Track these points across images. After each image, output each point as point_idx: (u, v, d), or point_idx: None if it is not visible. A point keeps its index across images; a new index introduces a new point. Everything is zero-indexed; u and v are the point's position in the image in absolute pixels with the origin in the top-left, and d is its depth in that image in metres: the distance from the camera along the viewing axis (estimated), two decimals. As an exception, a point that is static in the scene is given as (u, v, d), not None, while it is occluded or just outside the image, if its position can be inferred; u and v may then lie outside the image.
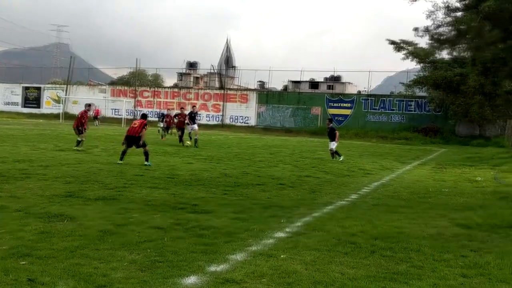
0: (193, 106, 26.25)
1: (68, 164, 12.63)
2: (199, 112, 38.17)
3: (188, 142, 21.63)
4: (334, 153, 18.28)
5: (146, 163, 13.21)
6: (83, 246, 5.28)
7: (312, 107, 45.03)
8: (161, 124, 29.79)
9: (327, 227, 6.77)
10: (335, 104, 44.45)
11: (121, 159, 13.56)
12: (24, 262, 4.65)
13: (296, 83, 57.73)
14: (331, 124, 19.35)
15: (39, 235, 5.67)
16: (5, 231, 5.76)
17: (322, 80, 63.15)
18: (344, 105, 44.12)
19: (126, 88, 54.84)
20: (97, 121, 42.17)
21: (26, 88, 57.46)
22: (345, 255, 5.46)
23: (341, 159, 17.75)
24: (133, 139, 13.62)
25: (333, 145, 18.28)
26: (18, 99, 57.38)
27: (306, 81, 59.61)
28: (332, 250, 5.60)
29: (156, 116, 46.73)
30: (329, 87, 59.79)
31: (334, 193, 10.10)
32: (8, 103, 56.93)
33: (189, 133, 22.46)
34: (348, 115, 43.68)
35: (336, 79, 61.78)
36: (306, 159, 18.04)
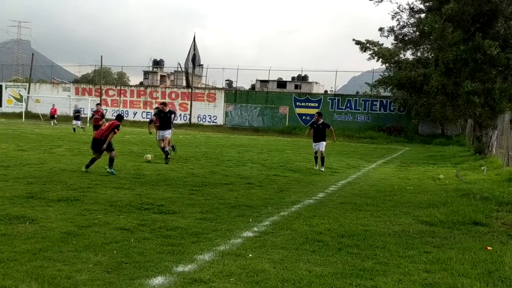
0: (162, 103, 16.21)
1: (30, 165, 12.27)
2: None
3: (149, 156, 15.06)
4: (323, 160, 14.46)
5: (108, 170, 11.39)
6: (46, 249, 5.14)
7: (280, 106, 45.28)
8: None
9: (294, 225, 6.81)
10: (302, 104, 44.81)
11: (87, 166, 11.63)
12: (-18, 266, 4.49)
13: (264, 82, 57.85)
14: (321, 119, 14.92)
15: (0, 237, 5.48)
16: (-38, 234, 5.55)
17: (289, 79, 63.55)
18: (311, 104, 44.53)
19: (90, 86, 53.74)
20: (53, 121, 41.07)
21: (-13, 86, 55.48)
22: (313, 253, 5.50)
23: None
24: (99, 142, 11.68)
25: (323, 146, 14.43)
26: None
27: (274, 81, 59.84)
28: (299, 249, 5.64)
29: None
30: (296, 87, 60.20)
31: (302, 192, 10.17)
32: (-35, 102, 54.85)
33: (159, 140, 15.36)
34: (315, 114, 44.16)
35: (303, 78, 62.28)
36: (274, 158, 18.10)
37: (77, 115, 33.02)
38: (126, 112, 50.57)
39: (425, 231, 6.83)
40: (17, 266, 4.56)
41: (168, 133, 15.29)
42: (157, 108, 16.80)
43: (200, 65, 52.48)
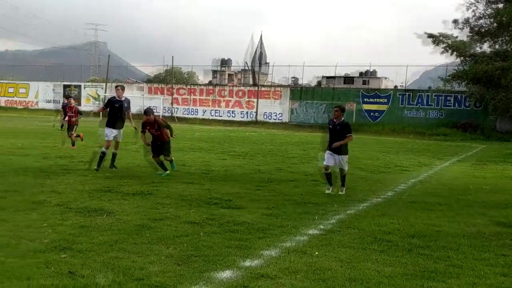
0: (119, 86, 11.83)
1: (107, 160, 12.93)
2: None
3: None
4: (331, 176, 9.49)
5: (162, 172, 10.62)
6: (121, 240, 5.41)
7: (347, 102, 44.53)
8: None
9: (362, 224, 6.69)
10: (370, 100, 43.77)
11: (161, 166, 10.77)
12: (64, 255, 4.80)
13: (330, 78, 57.14)
14: (342, 117, 9.41)
15: (79, 229, 5.84)
16: (46, 225, 5.97)
17: (357, 75, 62.29)
18: (380, 100, 43.38)
19: (162, 85, 55.69)
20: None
21: (66, 86, 59.11)
22: (381, 253, 5.39)
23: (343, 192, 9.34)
24: (161, 146, 10.77)
25: (344, 161, 9.39)
26: (59, 97, 59.08)
27: (340, 77, 58.89)
28: (367, 248, 5.54)
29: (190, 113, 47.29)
30: (364, 82, 58.87)
31: (369, 190, 9.96)
32: (49, 101, 58.73)
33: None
34: (384, 110, 42.93)
35: (371, 74, 60.82)
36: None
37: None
38: (196, 111, 51.94)
39: (503, 233, 6.46)
40: (95, 256, 4.83)
41: (120, 134, 11.62)
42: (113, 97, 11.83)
43: (266, 63, 52.83)
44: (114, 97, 11.74)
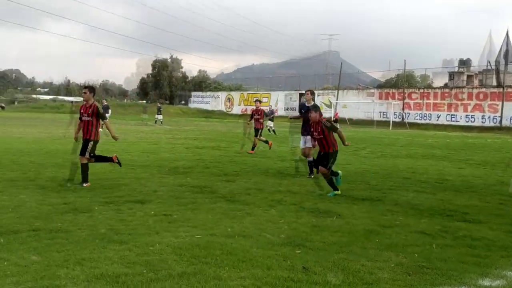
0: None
1: (337, 164, 13.34)
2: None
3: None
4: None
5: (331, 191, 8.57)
6: (350, 243, 5.53)
7: None
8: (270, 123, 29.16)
9: None
10: None
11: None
12: (299, 251, 5.15)
13: None
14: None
15: (312, 228, 6.19)
16: (283, 221, 6.51)
17: None
18: None
19: (394, 90, 54.70)
20: (336, 124, 43.49)
21: (302, 95, 63.22)
22: None
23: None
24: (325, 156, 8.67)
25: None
26: (296, 104, 63.61)
27: None
28: None
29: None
30: None
31: None
32: (287, 109, 63.77)
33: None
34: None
35: None
36: None
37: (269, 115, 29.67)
38: (429, 115, 49.44)
39: None
40: (326, 255, 5.05)
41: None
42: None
43: (514, 62, 46.87)
44: (303, 103, 11.30)
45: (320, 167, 8.57)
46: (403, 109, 51.20)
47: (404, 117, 50.44)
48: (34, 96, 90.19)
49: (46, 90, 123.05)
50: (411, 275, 4.52)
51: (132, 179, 9.71)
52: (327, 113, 56.44)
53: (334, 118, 47.27)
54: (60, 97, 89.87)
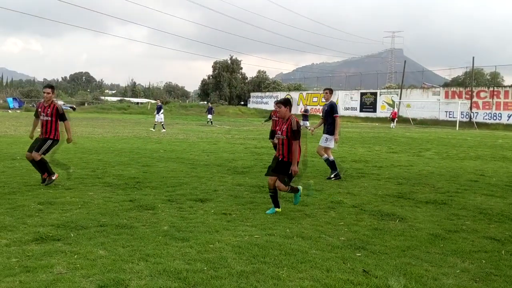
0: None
1: (400, 166, 13.00)
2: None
3: None
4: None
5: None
6: (413, 247, 5.35)
7: None
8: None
9: None
10: None
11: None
12: (359, 254, 5.06)
13: None
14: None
15: (373, 231, 6.06)
16: (343, 223, 6.41)
17: None
18: None
19: (461, 89, 52.46)
20: (393, 123, 42.13)
21: (363, 94, 62.06)
22: None
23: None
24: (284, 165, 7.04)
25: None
26: (356, 104, 62.55)
27: None
28: None
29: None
30: None
31: None
32: (347, 108, 62.80)
33: None
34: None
35: None
36: None
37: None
38: (499, 115, 47.02)
39: None
40: (387, 259, 4.92)
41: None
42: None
43: None
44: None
45: (271, 177, 7.02)
46: (470, 108, 48.98)
47: (472, 116, 48.23)
48: (102, 97, 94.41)
49: (113, 92, 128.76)
50: (477, 282, 4.31)
51: (193, 178, 9.94)
52: (389, 113, 55.10)
53: (391, 118, 45.50)
54: (127, 99, 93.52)
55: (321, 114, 11.17)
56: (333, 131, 10.39)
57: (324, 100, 10.72)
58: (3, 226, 5.76)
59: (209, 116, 39.78)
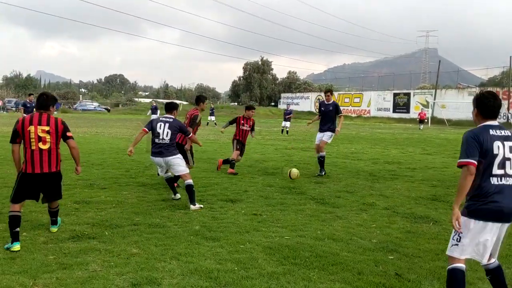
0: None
1: (434, 168, 12.75)
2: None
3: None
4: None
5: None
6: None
7: None
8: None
9: None
10: None
11: None
12: (391, 257, 4.98)
13: None
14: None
15: (405, 233, 5.96)
16: (375, 226, 6.33)
17: None
18: None
19: (497, 89, 50.95)
20: (421, 125, 41.14)
21: (396, 94, 61.03)
22: None
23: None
24: None
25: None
26: (389, 105, 61.54)
27: None
28: None
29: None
30: None
31: None
32: (380, 109, 61.88)
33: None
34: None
35: None
36: None
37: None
38: (538, 116, 45.47)
39: None
40: (421, 262, 4.83)
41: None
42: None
43: None
44: (323, 101, 11.39)
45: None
46: (508, 109, 47.51)
47: (509, 117, 46.78)
48: (136, 99, 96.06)
49: (146, 93, 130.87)
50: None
51: (224, 178, 10.01)
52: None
53: (419, 119, 44.46)
54: (160, 100, 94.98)
55: (317, 112, 12.24)
56: (334, 128, 11.12)
57: (326, 101, 11.26)
58: (41, 224, 5.95)
59: (212, 118, 39.16)
